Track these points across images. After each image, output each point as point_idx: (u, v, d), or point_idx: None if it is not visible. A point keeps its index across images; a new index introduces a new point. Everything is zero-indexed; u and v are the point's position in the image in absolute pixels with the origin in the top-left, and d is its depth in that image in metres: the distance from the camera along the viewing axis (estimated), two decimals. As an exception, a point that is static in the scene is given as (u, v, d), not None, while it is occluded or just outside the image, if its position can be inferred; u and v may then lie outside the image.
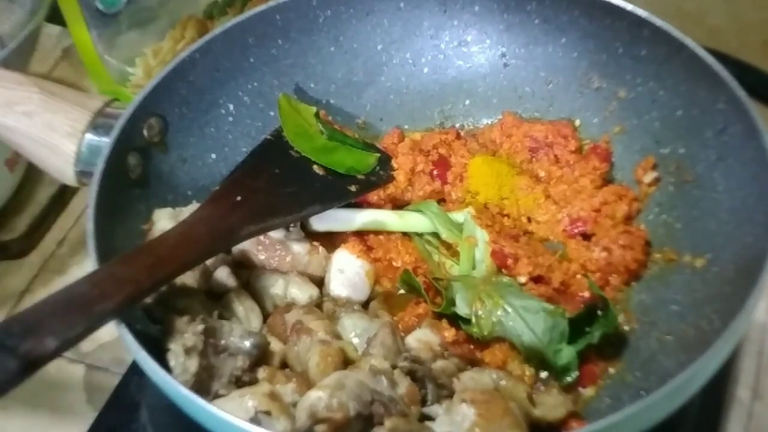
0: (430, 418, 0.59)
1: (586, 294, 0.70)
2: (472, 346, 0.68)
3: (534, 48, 0.84)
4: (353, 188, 0.77)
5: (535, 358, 0.66)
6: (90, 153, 0.70)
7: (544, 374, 0.67)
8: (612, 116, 0.80)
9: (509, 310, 0.67)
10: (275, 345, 0.65)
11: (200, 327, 0.60)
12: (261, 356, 0.63)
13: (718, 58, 0.69)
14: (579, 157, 0.80)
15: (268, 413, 0.57)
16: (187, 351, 0.59)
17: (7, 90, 0.71)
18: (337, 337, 0.65)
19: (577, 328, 0.66)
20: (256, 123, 0.82)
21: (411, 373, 0.61)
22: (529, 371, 0.66)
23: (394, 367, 0.62)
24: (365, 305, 0.72)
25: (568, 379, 0.66)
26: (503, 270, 0.72)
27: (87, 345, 0.81)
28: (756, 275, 0.57)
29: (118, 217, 0.68)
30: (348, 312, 0.68)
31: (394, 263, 0.76)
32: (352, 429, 0.57)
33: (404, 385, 0.60)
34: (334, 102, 0.86)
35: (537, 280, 0.72)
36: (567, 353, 0.66)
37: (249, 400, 0.58)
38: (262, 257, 0.72)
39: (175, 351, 0.59)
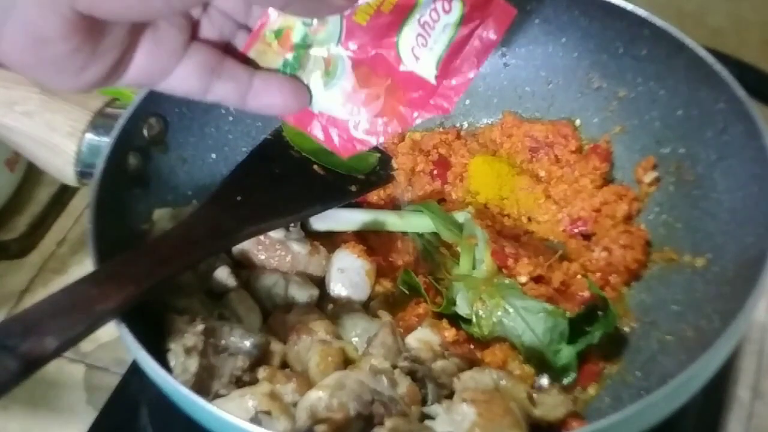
0: (431, 418, 0.59)
1: (586, 294, 0.70)
2: (472, 346, 0.68)
3: (534, 48, 0.84)
4: (353, 188, 0.77)
5: (535, 358, 0.66)
6: (90, 153, 0.70)
7: (544, 381, 0.67)
8: (612, 116, 0.80)
9: (510, 310, 0.67)
10: (275, 345, 0.65)
11: (200, 327, 0.60)
12: (261, 356, 0.62)
13: (718, 58, 0.69)
14: (579, 157, 0.80)
15: (268, 413, 0.57)
16: (187, 351, 0.59)
17: (7, 89, 0.71)
18: (337, 337, 0.65)
19: (577, 328, 0.66)
20: (256, 123, 0.82)
21: (411, 373, 0.61)
22: (529, 371, 0.66)
23: (394, 367, 0.62)
24: (365, 305, 0.72)
25: (567, 379, 0.66)
26: (504, 270, 0.72)
27: (87, 345, 0.81)
28: (756, 275, 0.57)
29: (118, 217, 0.67)
30: (348, 312, 0.68)
31: (394, 263, 0.76)
32: (352, 429, 0.57)
33: (404, 385, 0.60)
34: (335, 102, 0.86)
35: (537, 280, 0.72)
36: (566, 353, 0.66)
37: (249, 400, 0.57)
38: (262, 257, 0.71)
39: (175, 351, 0.59)
